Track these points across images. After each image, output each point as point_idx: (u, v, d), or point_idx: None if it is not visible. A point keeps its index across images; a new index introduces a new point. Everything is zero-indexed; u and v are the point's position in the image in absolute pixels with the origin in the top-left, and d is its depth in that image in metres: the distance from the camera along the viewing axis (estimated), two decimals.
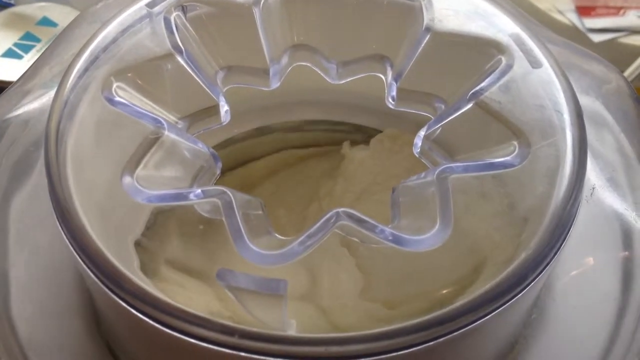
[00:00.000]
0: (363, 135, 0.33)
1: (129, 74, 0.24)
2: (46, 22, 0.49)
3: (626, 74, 0.43)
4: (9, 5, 0.51)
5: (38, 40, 0.48)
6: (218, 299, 0.24)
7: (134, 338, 0.23)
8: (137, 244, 0.23)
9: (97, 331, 0.25)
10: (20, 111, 0.28)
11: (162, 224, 0.25)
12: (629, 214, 0.27)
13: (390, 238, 0.21)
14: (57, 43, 0.30)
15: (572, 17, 0.48)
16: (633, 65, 0.44)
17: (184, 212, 0.23)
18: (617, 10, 0.49)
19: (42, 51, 0.46)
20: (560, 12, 0.48)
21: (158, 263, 0.24)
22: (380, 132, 0.32)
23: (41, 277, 0.26)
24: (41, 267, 0.26)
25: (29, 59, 0.46)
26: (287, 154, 0.34)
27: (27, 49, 0.47)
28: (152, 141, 0.23)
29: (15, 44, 0.47)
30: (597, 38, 0.47)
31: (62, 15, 0.49)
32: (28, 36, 0.48)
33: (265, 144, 0.34)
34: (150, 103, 0.25)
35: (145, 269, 0.22)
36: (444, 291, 0.22)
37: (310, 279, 0.26)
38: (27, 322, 0.25)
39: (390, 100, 0.27)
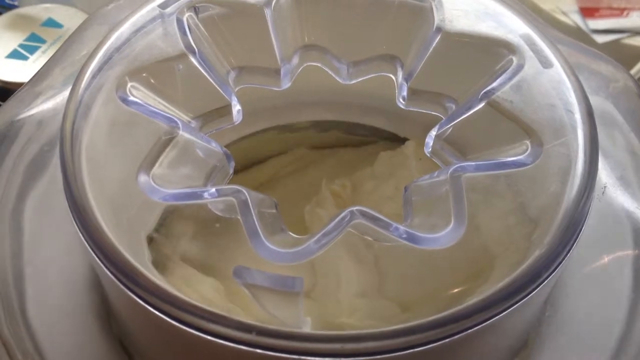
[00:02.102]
0: (373, 136, 0.33)
1: (143, 74, 0.24)
2: (51, 23, 0.49)
3: None
4: (12, 6, 0.51)
5: (43, 41, 0.48)
6: (228, 295, 0.24)
7: (147, 335, 0.23)
8: (149, 239, 0.24)
9: (110, 330, 0.25)
10: (33, 111, 0.28)
11: (174, 221, 0.25)
12: None
13: (404, 236, 0.21)
14: (68, 44, 0.31)
15: (575, 18, 0.48)
16: (637, 66, 0.44)
17: (196, 209, 0.24)
18: (620, 12, 0.49)
19: (47, 52, 0.47)
20: (564, 13, 0.48)
21: (168, 258, 0.24)
22: (392, 133, 0.32)
23: (56, 275, 0.26)
24: (56, 266, 0.26)
25: (34, 60, 0.46)
26: (297, 154, 0.34)
27: (32, 50, 0.47)
28: (168, 140, 0.23)
29: (21, 45, 0.47)
30: (600, 39, 0.47)
31: (67, 17, 0.49)
32: (33, 37, 0.48)
33: (276, 144, 0.34)
34: (164, 103, 0.25)
35: (155, 264, 0.22)
36: (455, 290, 0.22)
37: (316, 277, 0.26)
38: (42, 320, 0.25)
39: (401, 100, 0.27)
